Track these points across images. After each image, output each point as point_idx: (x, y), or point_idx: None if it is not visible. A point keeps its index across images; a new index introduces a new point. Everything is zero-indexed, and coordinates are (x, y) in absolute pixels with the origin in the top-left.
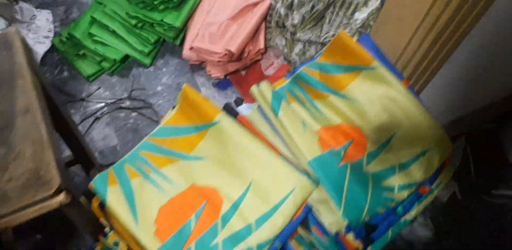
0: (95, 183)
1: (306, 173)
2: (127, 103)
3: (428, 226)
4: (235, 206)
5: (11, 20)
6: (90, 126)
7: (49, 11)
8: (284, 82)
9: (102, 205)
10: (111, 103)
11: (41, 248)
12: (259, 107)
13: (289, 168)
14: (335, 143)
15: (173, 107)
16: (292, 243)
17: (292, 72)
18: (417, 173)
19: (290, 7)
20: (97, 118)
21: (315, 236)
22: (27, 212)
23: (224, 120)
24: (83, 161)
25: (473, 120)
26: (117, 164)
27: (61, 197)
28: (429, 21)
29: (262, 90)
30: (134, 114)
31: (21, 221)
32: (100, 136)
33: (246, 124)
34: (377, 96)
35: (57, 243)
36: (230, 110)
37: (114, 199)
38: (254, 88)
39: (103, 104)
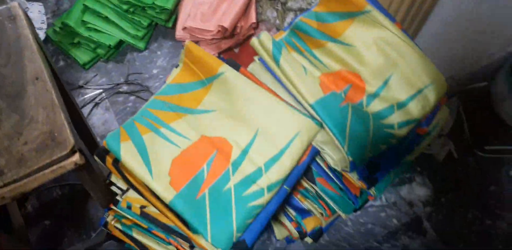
0: (108, 140)
1: (310, 116)
2: (124, 87)
3: (427, 185)
4: (245, 152)
5: None
6: (90, 112)
7: (41, 3)
8: (282, 34)
9: (116, 162)
10: (109, 88)
11: (50, 233)
12: (260, 58)
13: (293, 112)
14: (335, 87)
15: (176, 66)
16: (299, 197)
17: (290, 23)
18: (414, 110)
19: None
20: (96, 104)
21: (321, 186)
22: (44, 173)
23: (228, 72)
24: (88, 143)
25: (464, 79)
26: (127, 122)
27: (76, 157)
28: None
29: (262, 40)
30: (132, 98)
31: (40, 182)
32: (100, 121)
33: (248, 76)
34: (373, 40)
35: (65, 228)
36: (232, 64)
37: (128, 154)
38: (254, 40)
39: (101, 90)
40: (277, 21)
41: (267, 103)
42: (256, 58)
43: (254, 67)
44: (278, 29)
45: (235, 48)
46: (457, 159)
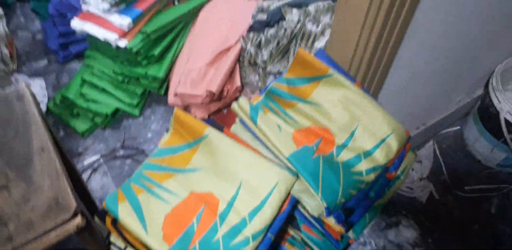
0: (107, 202)
1: (286, 168)
2: (121, 152)
3: (413, 227)
4: (230, 204)
5: None
6: (89, 177)
7: (42, 79)
8: (259, 98)
9: (114, 222)
10: (106, 154)
11: None
12: (240, 120)
13: (271, 165)
14: (307, 141)
15: (167, 130)
16: (286, 246)
17: (265, 88)
18: (380, 157)
19: (258, 46)
20: (94, 170)
21: (305, 233)
22: (49, 237)
23: (212, 133)
24: (88, 206)
25: (437, 125)
26: (124, 184)
27: (78, 220)
28: (365, 33)
29: (241, 105)
30: (128, 161)
31: (45, 246)
32: (98, 186)
33: (231, 135)
34: (337, 99)
35: None
36: (216, 126)
37: (125, 213)
38: (234, 105)
39: (98, 156)
40: (260, 84)
41: (247, 159)
42: (237, 119)
43: (236, 127)
44: (261, 91)
45: (223, 109)
46: (439, 200)
